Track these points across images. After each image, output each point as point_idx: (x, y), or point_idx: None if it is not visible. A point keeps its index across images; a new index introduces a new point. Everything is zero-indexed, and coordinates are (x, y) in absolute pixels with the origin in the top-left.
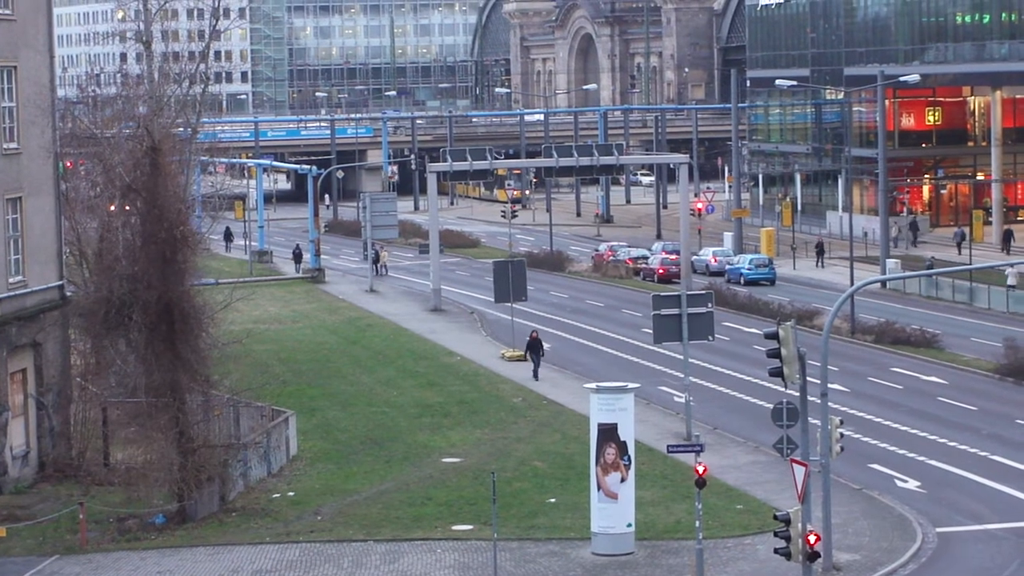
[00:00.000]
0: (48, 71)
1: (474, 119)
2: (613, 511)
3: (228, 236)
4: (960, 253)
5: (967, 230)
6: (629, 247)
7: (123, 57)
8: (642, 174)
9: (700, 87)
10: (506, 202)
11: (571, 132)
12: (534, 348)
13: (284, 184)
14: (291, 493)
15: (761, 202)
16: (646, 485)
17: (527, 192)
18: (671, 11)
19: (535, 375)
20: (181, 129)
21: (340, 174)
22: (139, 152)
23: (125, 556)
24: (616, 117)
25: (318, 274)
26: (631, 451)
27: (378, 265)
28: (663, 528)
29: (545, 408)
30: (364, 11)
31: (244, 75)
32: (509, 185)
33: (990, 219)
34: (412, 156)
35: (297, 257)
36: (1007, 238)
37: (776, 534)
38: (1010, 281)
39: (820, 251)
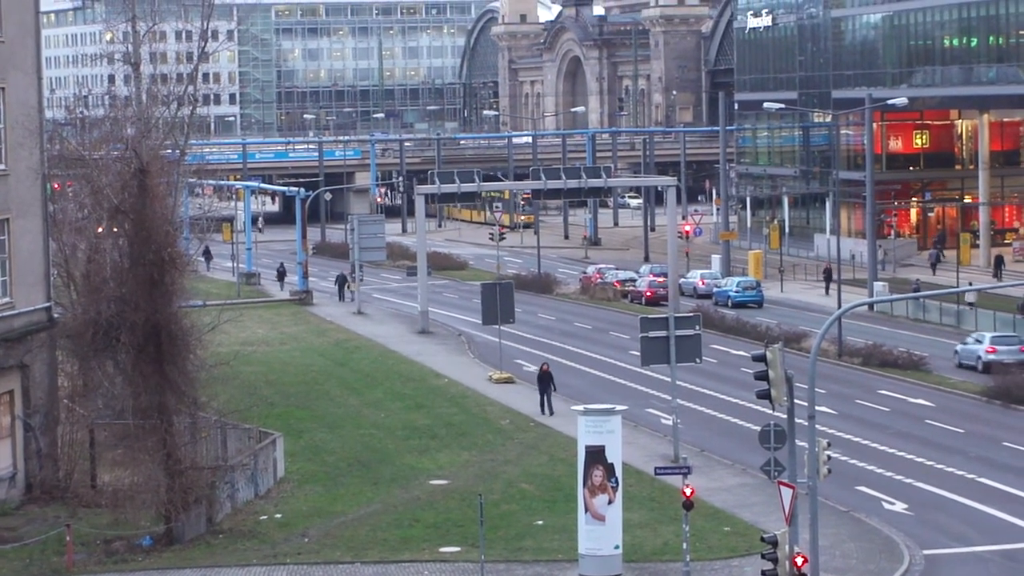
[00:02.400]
0: (36, 92)
1: (462, 142)
2: (600, 533)
3: (207, 255)
4: (935, 274)
5: (941, 251)
6: (617, 269)
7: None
8: (630, 197)
9: (688, 110)
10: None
11: (559, 155)
12: (544, 381)
13: (272, 206)
14: (278, 515)
15: (749, 225)
16: (633, 507)
17: (520, 217)
18: (659, 34)
19: (544, 408)
20: (169, 151)
21: (328, 196)
22: (127, 174)
23: None
24: (604, 140)
25: (306, 296)
26: (619, 473)
27: (345, 289)
28: (650, 550)
29: (532, 430)
30: (352, 33)
31: (232, 97)
32: (497, 208)
33: (977, 242)
34: (400, 179)
35: (281, 275)
36: (998, 263)
37: (763, 556)
38: (969, 299)
39: (828, 276)
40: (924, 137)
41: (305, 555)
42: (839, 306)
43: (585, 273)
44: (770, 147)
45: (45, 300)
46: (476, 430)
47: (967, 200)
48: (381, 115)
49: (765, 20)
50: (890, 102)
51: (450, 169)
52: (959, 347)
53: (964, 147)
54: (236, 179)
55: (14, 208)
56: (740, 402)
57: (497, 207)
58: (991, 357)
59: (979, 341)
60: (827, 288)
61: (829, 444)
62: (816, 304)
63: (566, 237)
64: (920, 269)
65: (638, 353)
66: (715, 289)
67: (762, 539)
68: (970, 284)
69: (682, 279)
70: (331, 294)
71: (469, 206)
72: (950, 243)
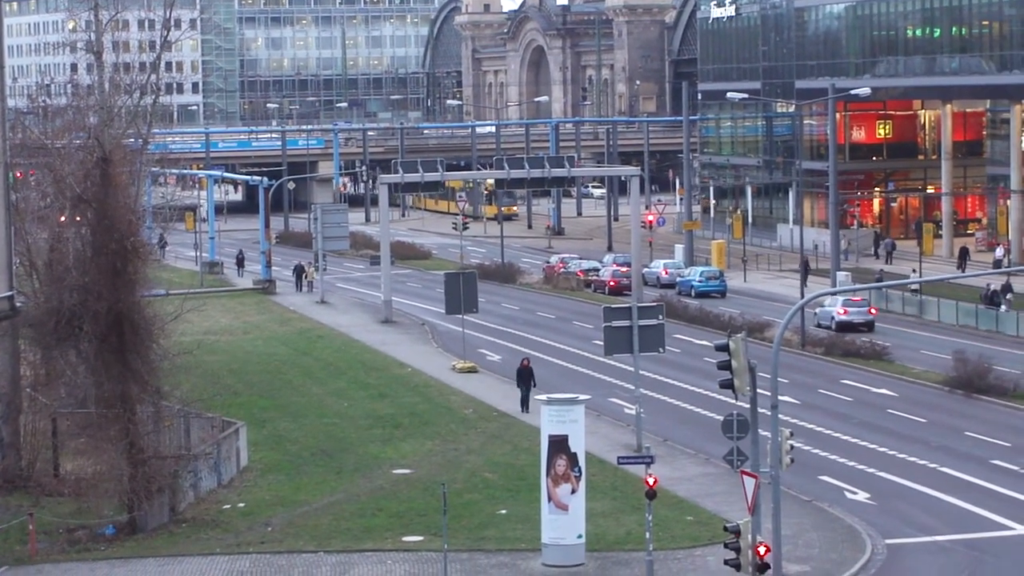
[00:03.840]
0: None
1: (425, 131)
2: (563, 522)
3: (162, 243)
4: (889, 263)
5: (895, 241)
6: (580, 259)
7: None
8: (593, 186)
9: (651, 99)
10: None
11: (523, 144)
12: (524, 377)
13: (235, 195)
14: (241, 504)
15: (712, 215)
16: (597, 496)
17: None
18: (623, 24)
19: (524, 406)
20: (132, 140)
21: (291, 185)
22: (89, 163)
23: (75, 567)
24: (568, 129)
25: (269, 285)
26: (582, 463)
27: (303, 280)
28: (613, 539)
29: (496, 420)
30: (316, 22)
31: (195, 86)
32: (460, 197)
33: (940, 232)
34: (363, 168)
35: (240, 262)
36: (963, 255)
37: (726, 545)
38: (913, 287)
39: (806, 268)
40: (887, 127)
41: (268, 544)
42: (802, 296)
43: (548, 263)
44: (733, 137)
45: (7, 289)
46: (439, 419)
47: (930, 190)
48: (344, 104)
49: (729, 10)
50: (853, 92)
51: (414, 158)
52: (817, 310)
53: (927, 137)
54: (199, 168)
55: None
56: (703, 392)
57: (461, 196)
58: (843, 318)
59: (833, 304)
60: (804, 279)
61: (792, 434)
62: (779, 294)
63: (529, 227)
64: (883, 260)
65: (601, 343)
66: (678, 279)
67: (725, 528)
68: (913, 271)
69: (645, 269)
70: (293, 283)
71: (436, 196)
72: (911, 234)
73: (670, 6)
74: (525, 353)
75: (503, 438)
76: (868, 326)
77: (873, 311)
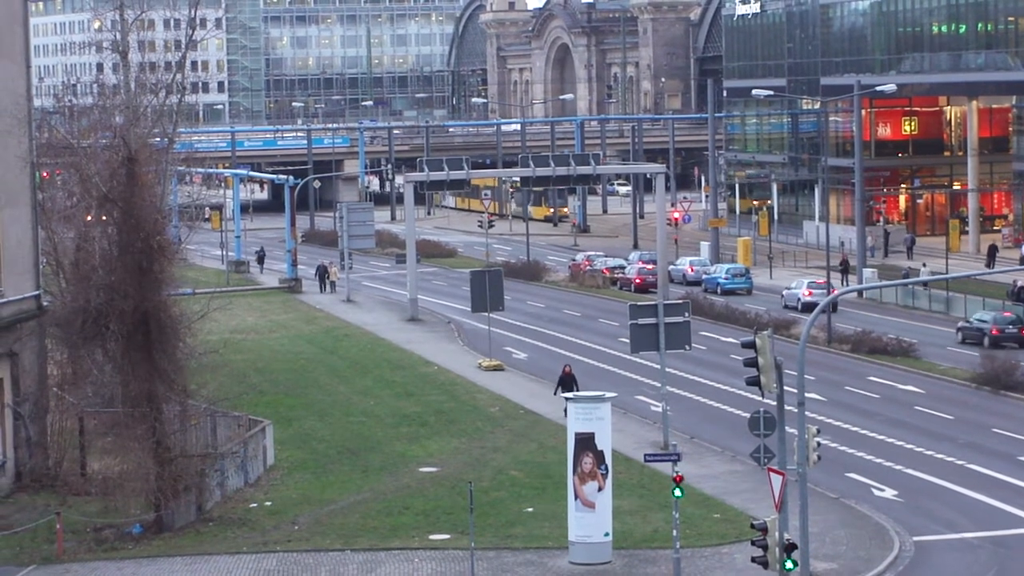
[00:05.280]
0: (24, 81)
1: (451, 129)
2: (590, 520)
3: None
4: (910, 258)
5: (915, 236)
6: (606, 257)
7: (99, 67)
8: (619, 184)
9: (677, 97)
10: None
11: (548, 142)
12: (567, 384)
13: (261, 194)
14: (268, 503)
15: (738, 212)
16: (623, 494)
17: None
18: (647, 21)
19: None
20: (158, 139)
21: (317, 184)
22: (116, 162)
23: (102, 566)
24: (593, 127)
25: (295, 284)
26: (608, 460)
27: (326, 281)
28: (640, 537)
29: (522, 418)
30: (341, 21)
31: (221, 85)
32: (485, 195)
33: (966, 229)
34: (389, 166)
35: (260, 259)
36: (992, 253)
37: (753, 543)
38: (923, 276)
39: (845, 268)
40: (913, 124)
41: (295, 543)
42: (828, 292)
43: (574, 260)
44: (759, 134)
45: (34, 288)
46: (466, 417)
47: (956, 187)
48: (369, 103)
49: (753, 7)
50: (879, 89)
51: (439, 157)
52: (784, 292)
53: (953, 134)
54: (225, 167)
55: (3, 197)
56: (730, 389)
57: (486, 195)
58: (808, 299)
59: (799, 286)
60: (844, 279)
61: (819, 431)
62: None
63: (555, 224)
64: (902, 255)
65: (627, 340)
66: (704, 276)
67: (752, 526)
68: (924, 265)
69: (671, 266)
70: (316, 283)
71: (462, 194)
72: (939, 229)
73: (695, 3)
74: (550, 351)
75: (529, 436)
76: (832, 307)
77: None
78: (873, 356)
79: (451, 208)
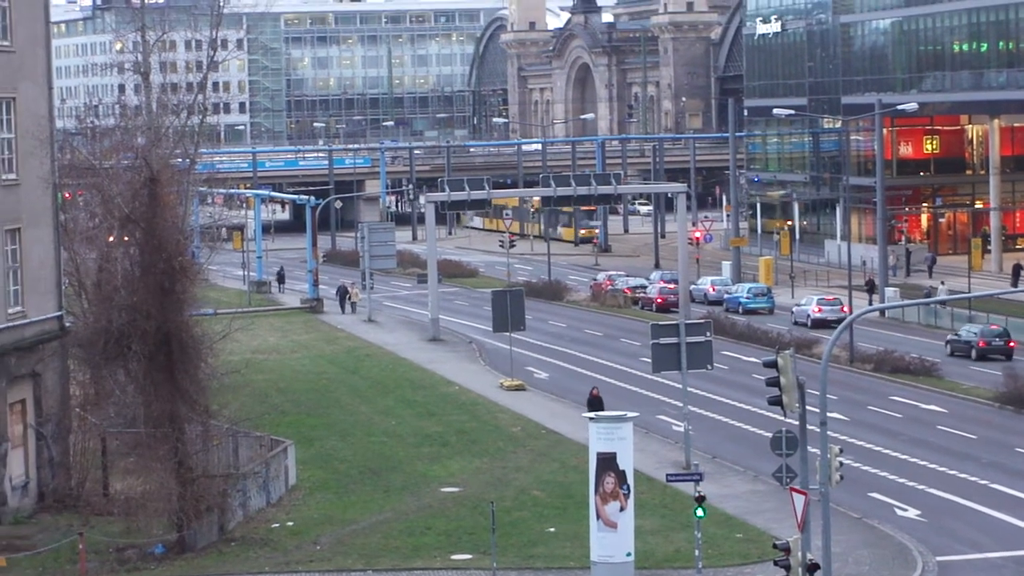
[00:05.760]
0: (47, 102)
1: (472, 149)
2: (612, 540)
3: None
4: (931, 276)
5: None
6: (627, 276)
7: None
8: (640, 203)
9: (697, 116)
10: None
11: (569, 162)
12: (595, 406)
13: (282, 214)
14: (290, 523)
15: (759, 231)
16: (645, 514)
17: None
18: (668, 41)
19: None
20: (179, 160)
21: (338, 204)
22: (137, 183)
23: None
24: (614, 147)
25: (316, 304)
26: (630, 480)
27: (347, 302)
28: (662, 557)
29: (544, 437)
30: (362, 42)
31: (242, 106)
32: (507, 215)
33: (989, 247)
34: (410, 186)
35: (280, 279)
36: (1016, 272)
37: (776, 563)
38: (941, 295)
39: (871, 288)
40: (934, 142)
41: (317, 563)
42: (850, 312)
43: (595, 280)
44: (780, 153)
45: (56, 309)
46: (487, 437)
47: (978, 205)
48: (391, 123)
49: (774, 26)
50: (900, 107)
51: (460, 177)
52: (794, 308)
53: (975, 152)
54: (246, 188)
55: (25, 218)
56: (752, 408)
57: (507, 215)
58: (818, 315)
59: (809, 303)
60: (870, 300)
61: (841, 450)
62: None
63: (576, 244)
64: (924, 274)
65: (649, 360)
66: (726, 295)
67: (774, 546)
68: (941, 283)
69: (693, 286)
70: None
71: (489, 214)
72: (961, 248)
73: (716, 23)
74: (572, 371)
75: (551, 456)
76: (840, 323)
77: (845, 309)
78: (896, 375)
79: (478, 229)
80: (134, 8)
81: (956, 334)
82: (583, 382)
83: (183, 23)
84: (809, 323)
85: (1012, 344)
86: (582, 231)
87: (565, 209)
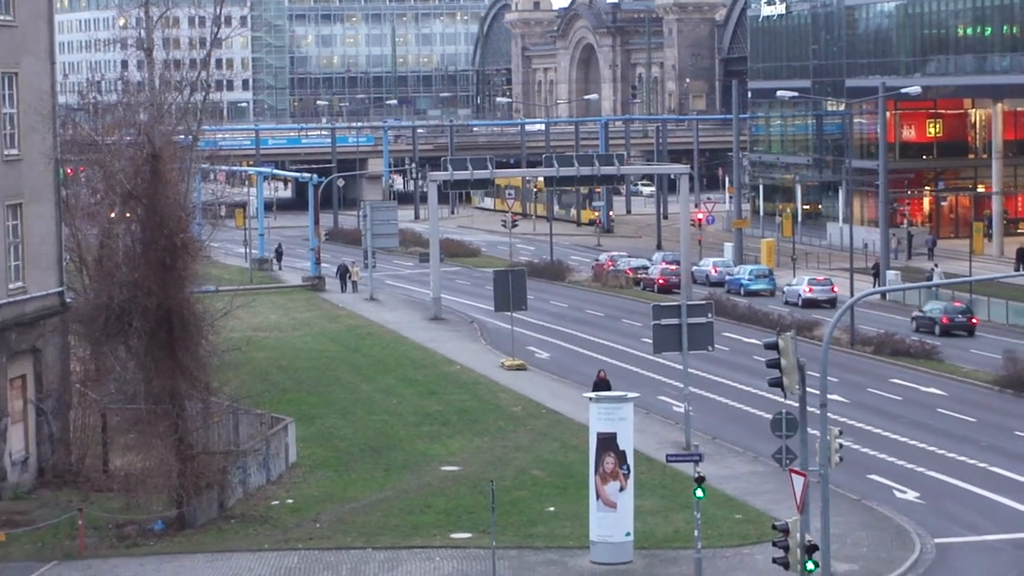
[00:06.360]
0: (49, 77)
1: (475, 128)
2: (612, 520)
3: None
4: (931, 259)
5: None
6: (629, 257)
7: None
8: (643, 184)
9: (701, 98)
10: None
11: (572, 142)
12: (601, 390)
13: (285, 192)
14: (290, 500)
15: (762, 213)
16: (645, 494)
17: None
18: (673, 22)
19: None
20: (182, 136)
21: (341, 183)
22: (140, 159)
23: (124, 562)
24: (617, 127)
25: (318, 282)
26: (630, 460)
27: (347, 281)
28: (662, 537)
29: (544, 417)
30: (366, 20)
31: (245, 83)
32: (509, 195)
33: (990, 231)
34: (413, 165)
35: (278, 255)
36: (1020, 256)
37: (775, 544)
38: (936, 279)
39: (876, 274)
40: (937, 126)
41: (317, 540)
42: (851, 295)
43: (597, 260)
44: (783, 135)
45: (57, 285)
46: (488, 417)
47: (980, 189)
48: (394, 102)
49: (779, 8)
50: (904, 91)
51: (463, 156)
52: (785, 288)
53: (977, 136)
54: (249, 165)
55: (27, 193)
56: (752, 390)
57: (510, 194)
58: (809, 295)
59: (800, 283)
60: (875, 283)
61: (841, 432)
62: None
63: (578, 224)
64: (925, 257)
65: (650, 340)
66: (727, 277)
67: (774, 527)
68: (935, 266)
69: (694, 267)
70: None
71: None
72: (963, 232)
73: (720, 4)
74: (573, 351)
75: (551, 435)
76: (831, 302)
77: (835, 289)
78: (896, 358)
79: (488, 209)
80: None
81: (921, 311)
82: (584, 362)
83: (187, 0)
84: (800, 303)
85: (974, 321)
86: (596, 213)
87: (581, 190)
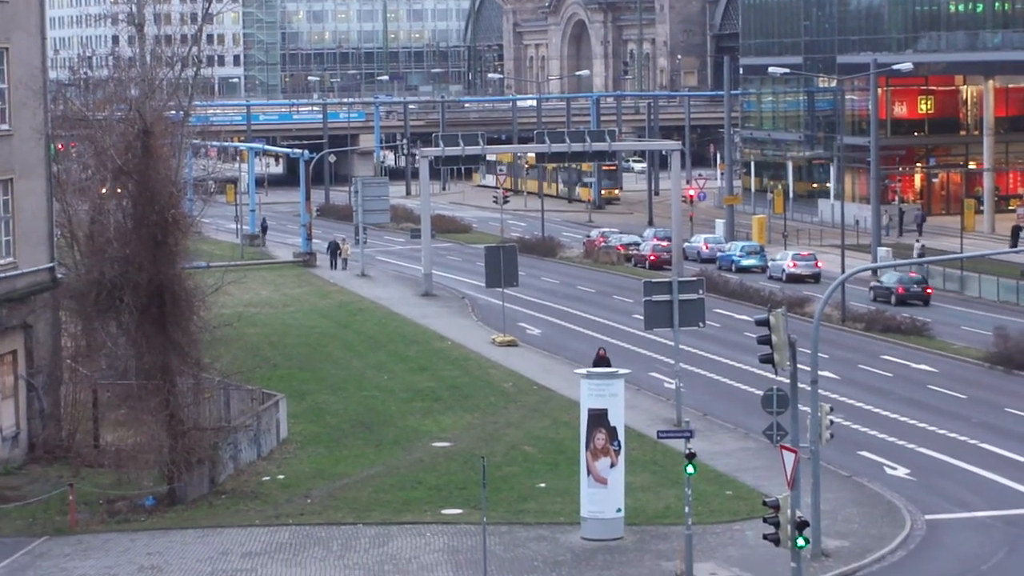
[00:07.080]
0: (40, 53)
1: (466, 104)
2: (602, 496)
3: None
4: (920, 234)
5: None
6: (621, 233)
7: (115, 39)
8: (634, 160)
9: (693, 74)
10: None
11: (564, 118)
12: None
13: (276, 168)
14: (281, 476)
15: (753, 189)
16: (636, 471)
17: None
18: None
19: None
20: (173, 112)
21: (332, 158)
22: (131, 135)
23: (115, 537)
24: (609, 103)
25: (309, 258)
26: (621, 436)
27: (338, 258)
28: (652, 513)
29: (535, 393)
30: None
31: (236, 59)
32: (501, 171)
33: (982, 208)
34: (404, 141)
35: (263, 229)
36: (1015, 233)
37: (765, 520)
38: (916, 254)
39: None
40: (929, 103)
41: (308, 516)
42: (842, 271)
43: (589, 237)
44: (775, 112)
45: (48, 260)
46: (479, 393)
47: (971, 166)
48: (385, 77)
49: None
50: (895, 67)
51: (454, 132)
52: (770, 262)
53: (969, 113)
54: (240, 141)
55: (17, 168)
56: (743, 366)
57: (501, 170)
58: (792, 270)
59: (784, 258)
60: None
61: (832, 409)
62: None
63: (570, 200)
64: (924, 236)
65: (641, 317)
66: (719, 253)
67: (764, 503)
68: (916, 241)
69: (686, 243)
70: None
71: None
72: (954, 209)
73: None
74: (564, 327)
75: (542, 411)
76: (815, 277)
77: (819, 264)
78: (887, 335)
79: (491, 187)
80: None
81: (879, 281)
82: (575, 338)
83: None
84: (784, 277)
85: (929, 291)
86: (605, 191)
87: (585, 167)
